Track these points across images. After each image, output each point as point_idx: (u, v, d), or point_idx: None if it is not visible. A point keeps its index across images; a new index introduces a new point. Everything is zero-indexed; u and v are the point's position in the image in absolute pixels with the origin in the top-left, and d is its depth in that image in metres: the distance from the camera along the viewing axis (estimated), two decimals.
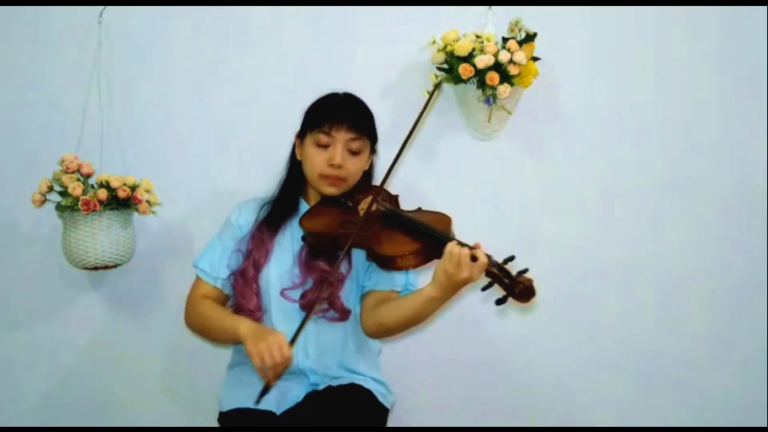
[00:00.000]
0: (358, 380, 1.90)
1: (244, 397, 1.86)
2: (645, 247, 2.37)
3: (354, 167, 1.91)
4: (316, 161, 1.88)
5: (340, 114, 1.88)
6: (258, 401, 1.74)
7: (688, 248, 2.38)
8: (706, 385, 2.40)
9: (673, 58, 2.34)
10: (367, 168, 1.99)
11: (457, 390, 2.37)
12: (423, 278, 1.87)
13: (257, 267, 1.89)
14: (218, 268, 1.94)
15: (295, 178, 1.98)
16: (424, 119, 1.93)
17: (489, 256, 1.67)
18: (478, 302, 2.32)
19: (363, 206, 1.88)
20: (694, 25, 2.33)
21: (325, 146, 1.87)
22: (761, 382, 2.40)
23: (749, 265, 2.38)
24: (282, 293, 1.88)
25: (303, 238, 1.89)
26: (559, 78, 2.30)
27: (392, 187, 2.02)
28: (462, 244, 1.68)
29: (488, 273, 1.66)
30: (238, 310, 1.90)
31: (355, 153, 1.89)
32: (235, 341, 1.85)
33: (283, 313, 1.88)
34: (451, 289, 1.69)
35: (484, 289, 1.68)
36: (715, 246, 2.38)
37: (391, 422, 2.00)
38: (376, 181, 2.02)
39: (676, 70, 2.34)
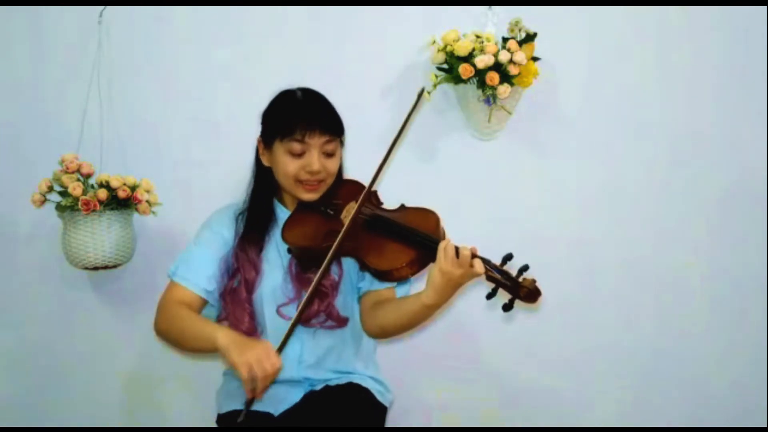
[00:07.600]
0: (356, 379, 1.88)
1: (241, 399, 1.84)
2: (645, 247, 2.37)
3: (332, 168, 1.81)
4: (290, 168, 1.78)
5: (310, 119, 1.77)
6: (242, 419, 1.62)
7: (688, 248, 2.38)
8: (706, 385, 2.40)
9: (673, 58, 2.34)
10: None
11: (455, 388, 2.37)
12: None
13: (250, 288, 1.80)
14: (200, 276, 1.80)
15: (265, 184, 1.87)
16: (411, 123, 1.82)
17: (487, 261, 1.61)
18: (477, 301, 2.33)
19: (346, 214, 1.79)
20: (694, 25, 2.33)
21: (299, 154, 1.77)
22: (761, 382, 2.40)
23: (749, 264, 2.38)
24: (278, 311, 1.81)
25: (289, 251, 1.80)
26: (559, 78, 2.30)
27: (392, 188, 1.98)
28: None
29: (489, 278, 1.60)
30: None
31: (330, 155, 1.80)
32: (210, 350, 1.66)
33: (280, 331, 1.76)
34: (449, 290, 1.63)
35: (489, 296, 1.61)
36: (715, 245, 2.38)
37: (390, 421, 2.00)
38: (357, 177, 1.93)
39: (676, 70, 2.34)
